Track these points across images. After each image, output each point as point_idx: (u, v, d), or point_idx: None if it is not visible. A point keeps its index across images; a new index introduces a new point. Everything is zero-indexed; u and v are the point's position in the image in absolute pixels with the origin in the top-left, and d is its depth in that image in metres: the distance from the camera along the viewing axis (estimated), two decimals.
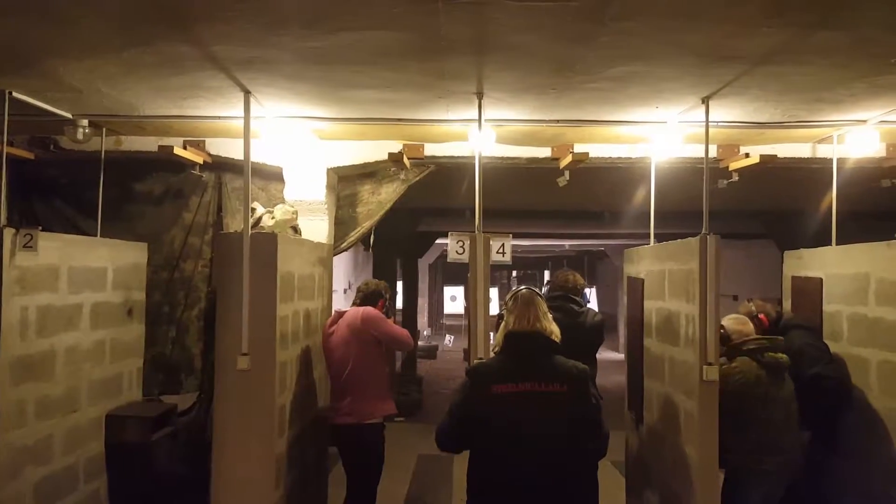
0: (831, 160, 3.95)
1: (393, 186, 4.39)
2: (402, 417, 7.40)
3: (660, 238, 3.92)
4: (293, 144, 4.05)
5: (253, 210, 3.60)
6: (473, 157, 3.38)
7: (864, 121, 3.58)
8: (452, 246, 3.25)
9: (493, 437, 2.36)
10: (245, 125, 3.15)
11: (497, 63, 2.74)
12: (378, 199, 4.40)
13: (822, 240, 4.05)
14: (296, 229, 3.83)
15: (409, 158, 4.16)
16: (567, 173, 4.24)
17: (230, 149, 4.19)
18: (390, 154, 4.06)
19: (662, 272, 3.57)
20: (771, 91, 3.10)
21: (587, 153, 4.00)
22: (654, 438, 3.55)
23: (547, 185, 4.44)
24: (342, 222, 4.46)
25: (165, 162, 4.28)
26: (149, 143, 4.19)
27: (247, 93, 3.12)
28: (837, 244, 3.84)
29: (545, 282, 15.80)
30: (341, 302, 7.26)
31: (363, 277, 7.71)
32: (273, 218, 3.65)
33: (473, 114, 3.37)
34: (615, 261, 12.61)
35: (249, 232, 3.00)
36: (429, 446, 2.48)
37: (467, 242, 3.22)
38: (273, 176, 4.30)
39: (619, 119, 3.63)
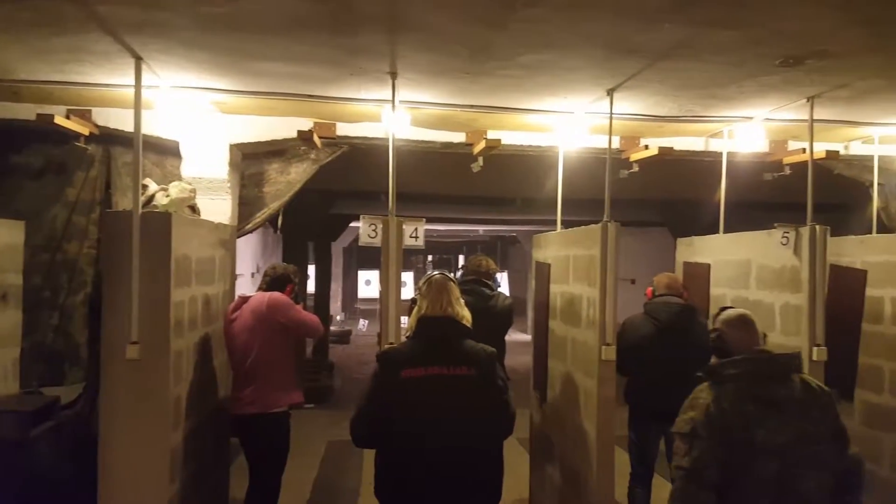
0: (722, 154, 4.22)
1: (303, 166, 4.24)
2: (311, 405, 7.29)
3: (567, 224, 4.04)
4: (191, 117, 3.78)
5: (144, 187, 3.35)
6: (388, 139, 3.32)
7: (751, 118, 3.84)
8: (365, 230, 3.18)
9: (403, 421, 2.36)
10: (136, 94, 2.91)
11: (411, 43, 2.70)
12: (287, 179, 4.23)
13: (711, 228, 4.33)
14: (194, 209, 3.60)
15: (320, 137, 4.03)
16: (481, 159, 4.27)
17: (120, 120, 3.84)
18: (300, 132, 3.91)
19: (567, 257, 3.69)
20: (670, 86, 3.25)
21: (500, 140, 4.05)
22: (557, 416, 3.68)
23: (461, 170, 4.46)
24: (247, 202, 4.25)
25: (46, 132, 3.87)
26: (26, 111, 3.78)
27: (138, 59, 2.88)
28: (725, 233, 4.12)
29: (460, 266, 16.03)
30: (248, 287, 6.98)
31: (273, 261, 7.45)
32: (168, 196, 3.40)
33: (387, 94, 3.31)
34: (526, 246, 12.95)
35: (140, 210, 2.79)
36: (339, 433, 2.44)
37: (380, 226, 3.16)
38: (169, 151, 4.01)
39: (530, 108, 3.70)
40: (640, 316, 3.79)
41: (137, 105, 2.91)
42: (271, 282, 3.55)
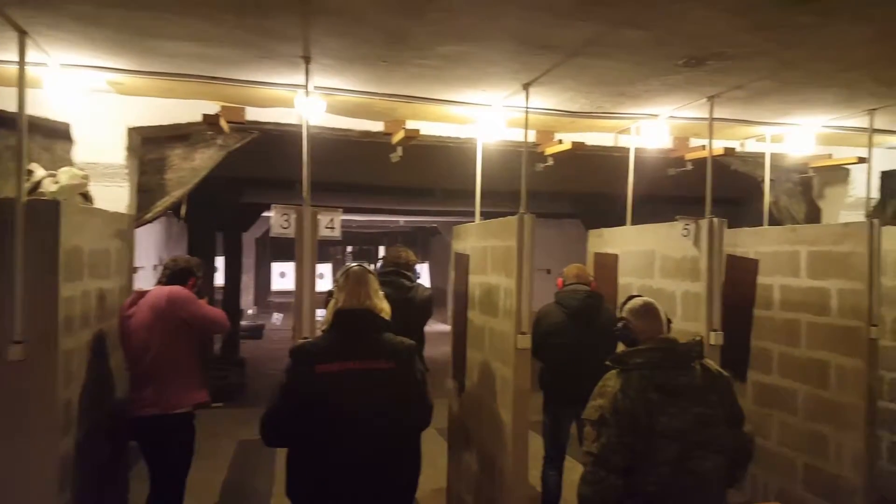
0: (630, 149, 4.41)
1: (209, 152, 4.04)
2: (220, 404, 7.00)
3: (487, 216, 4.10)
4: (84, 98, 3.51)
5: (30, 172, 3.07)
6: (301, 126, 3.22)
7: (657, 115, 4.04)
8: (277, 220, 3.08)
9: (318, 417, 2.31)
10: (20, 73, 2.66)
11: (325, 27, 2.63)
12: (191, 166, 4.02)
13: (621, 221, 4.53)
14: (86, 196, 3.34)
15: (227, 122, 3.86)
16: (400, 149, 4.24)
17: (3, 99, 3.51)
18: (205, 116, 3.72)
19: (485, 248, 3.74)
20: (583, 82, 3.36)
21: (419, 130, 4.04)
22: (474, 404, 3.74)
23: (380, 160, 4.41)
24: (148, 190, 4.01)
25: None
26: None
27: (22, 33, 2.63)
28: (632, 225, 4.32)
29: (380, 257, 15.86)
30: (151, 280, 6.60)
31: (179, 253, 7.08)
32: (57, 182, 3.13)
33: (301, 79, 3.21)
34: (447, 237, 13.01)
35: (24, 198, 2.56)
36: (250, 432, 2.35)
37: (293, 216, 3.07)
38: (60, 134, 3.71)
39: (449, 99, 3.70)
40: (551, 305, 3.93)
41: (21, 84, 2.65)
42: (171, 275, 3.36)
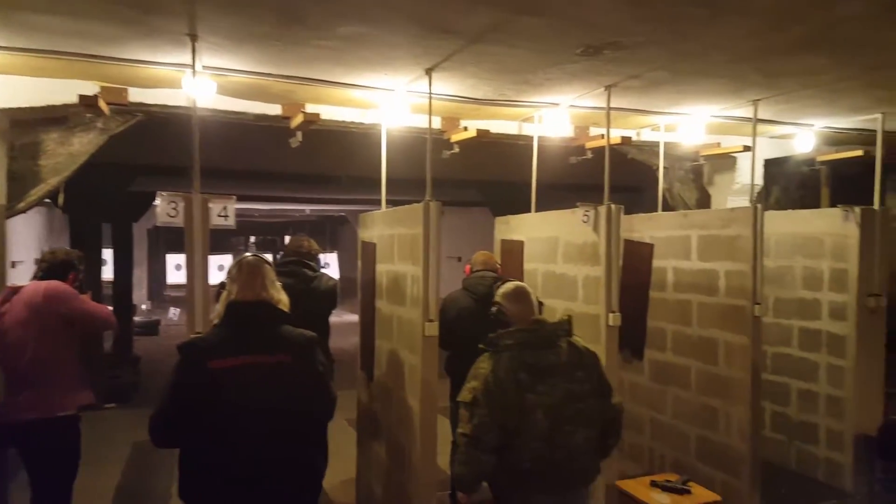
0: (533, 137, 4.52)
1: (89, 137, 3.75)
2: (112, 404, 6.61)
3: (394, 204, 4.07)
4: None
5: None
6: (190, 108, 3.05)
7: (558, 104, 4.16)
8: (164, 208, 2.91)
9: (212, 416, 2.21)
10: None
11: (212, 3, 2.50)
12: (69, 151, 3.72)
13: (527, 208, 4.63)
14: None
15: (108, 104, 3.60)
16: (299, 134, 4.12)
17: None
18: (81, 97, 3.45)
19: (392, 236, 3.72)
20: (486, 69, 3.39)
21: (319, 114, 3.94)
22: (383, 393, 3.73)
23: (280, 145, 4.26)
24: (19, 177, 3.67)
25: None
26: None
27: None
28: (536, 212, 4.44)
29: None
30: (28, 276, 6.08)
31: (62, 245, 6.56)
32: None
33: (187, 58, 3.04)
34: (356, 226, 12.83)
35: None
36: (146, 433, 2.22)
37: (182, 204, 2.91)
38: None
39: (350, 82, 3.63)
40: (458, 291, 3.98)
41: None
42: (49, 269, 3.11)
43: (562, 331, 2.64)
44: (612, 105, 3.88)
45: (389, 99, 3.80)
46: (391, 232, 3.73)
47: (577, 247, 3.82)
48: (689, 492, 3.45)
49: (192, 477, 2.27)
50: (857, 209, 4.43)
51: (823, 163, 5.66)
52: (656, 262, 4.75)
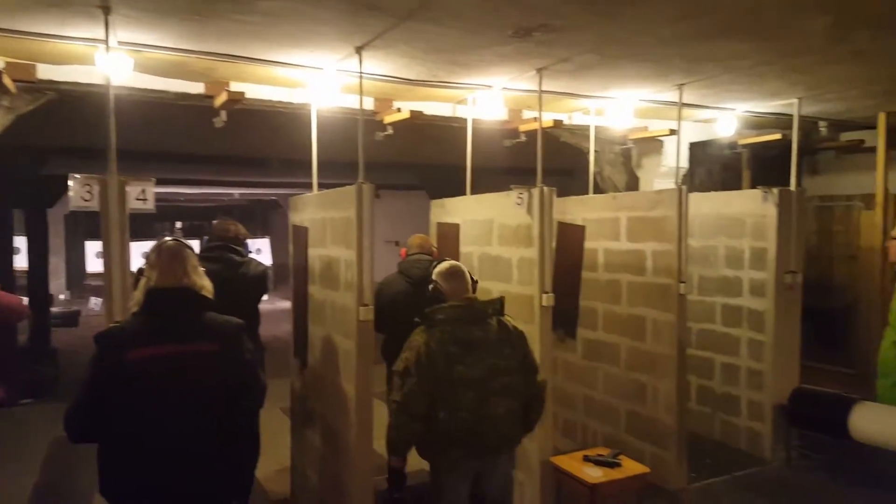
0: (468, 120, 4.52)
1: None
2: (28, 399, 6.28)
3: (327, 187, 3.99)
4: None
5: None
6: (105, 86, 2.89)
7: (491, 86, 4.17)
8: (77, 191, 2.76)
9: (132, 408, 2.12)
10: None
11: None
12: None
13: (463, 191, 4.64)
14: None
15: (14, 81, 3.36)
16: (224, 113, 3.97)
17: None
18: None
19: (324, 220, 3.66)
20: (418, 49, 3.35)
21: (243, 93, 3.81)
22: (317, 380, 3.69)
23: (204, 126, 4.10)
24: None
25: None
26: None
27: None
28: (472, 194, 4.46)
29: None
30: None
31: None
32: None
33: (100, 32, 2.87)
34: (288, 210, 12.52)
35: None
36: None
37: (97, 187, 2.77)
38: None
39: (276, 59, 3.52)
40: (394, 275, 3.97)
41: None
42: None
43: (493, 309, 2.84)
44: (543, 88, 3.93)
45: (318, 78, 3.71)
46: (323, 215, 3.67)
47: (511, 229, 3.87)
48: (619, 465, 3.59)
49: (113, 473, 2.19)
50: (776, 190, 4.68)
51: (745, 146, 5.93)
52: (588, 244, 4.87)
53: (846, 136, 6.12)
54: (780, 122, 5.36)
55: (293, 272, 4.11)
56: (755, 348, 4.86)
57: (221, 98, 3.78)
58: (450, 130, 4.91)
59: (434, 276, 2.89)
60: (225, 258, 3.58)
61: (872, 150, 5.48)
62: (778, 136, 5.51)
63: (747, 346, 4.92)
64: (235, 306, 2.49)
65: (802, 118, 4.97)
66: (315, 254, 3.78)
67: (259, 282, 3.70)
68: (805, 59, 3.73)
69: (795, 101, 4.73)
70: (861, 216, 5.96)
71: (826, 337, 6.02)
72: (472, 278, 2.96)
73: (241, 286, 3.54)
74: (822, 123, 5.76)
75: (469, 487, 2.85)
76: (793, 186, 4.79)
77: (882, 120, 5.28)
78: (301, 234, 3.95)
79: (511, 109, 4.87)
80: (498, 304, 2.88)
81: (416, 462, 3.11)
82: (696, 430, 5.03)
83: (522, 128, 4.86)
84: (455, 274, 2.88)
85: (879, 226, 5.36)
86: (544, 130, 4.15)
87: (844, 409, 0.91)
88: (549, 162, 3.93)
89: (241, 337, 2.34)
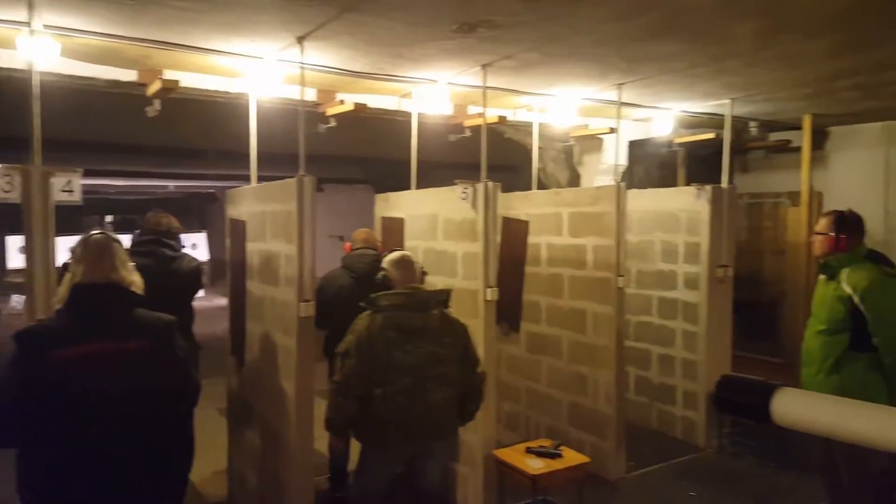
0: (412, 114, 4.51)
1: None
2: None
3: (269, 180, 3.90)
4: None
5: None
6: (29, 72, 2.74)
7: (436, 81, 4.17)
8: None
9: (56, 411, 2.02)
10: None
11: None
12: None
13: (409, 185, 4.63)
14: None
15: None
16: (157, 103, 3.83)
17: None
18: None
19: (263, 213, 3.59)
20: (361, 41, 3.32)
21: (178, 81, 3.68)
22: (255, 379, 3.62)
23: (137, 115, 3.93)
24: None
25: None
26: None
27: None
28: (418, 189, 4.46)
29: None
30: None
31: None
32: None
33: (22, 15, 2.72)
34: (225, 204, 12.18)
35: None
36: None
37: (18, 178, 2.62)
38: None
39: (213, 48, 3.41)
40: (338, 270, 3.93)
41: None
42: None
43: (436, 300, 2.95)
44: (488, 84, 3.97)
45: (258, 68, 3.62)
46: (263, 209, 3.59)
47: (456, 223, 3.89)
48: (560, 455, 3.67)
49: (36, 479, 2.08)
50: (708, 187, 4.88)
51: (681, 144, 6.15)
52: (531, 239, 4.96)
53: (775, 137, 6.44)
54: (714, 121, 5.58)
55: (230, 267, 4.01)
56: (689, 339, 5.06)
57: (155, 86, 3.64)
58: (395, 124, 4.89)
59: (384, 264, 3.01)
60: (156, 252, 3.46)
61: (798, 149, 5.78)
62: (711, 135, 5.74)
63: (682, 337, 5.12)
64: (168, 303, 2.41)
65: (734, 118, 5.19)
66: (253, 248, 3.70)
67: (192, 277, 3.60)
68: (736, 62, 3.90)
69: (728, 102, 4.94)
70: (788, 213, 6.29)
71: (756, 328, 6.33)
72: (423, 270, 3.12)
73: (174, 282, 3.43)
74: (752, 124, 6.04)
75: (397, 472, 2.94)
76: (724, 184, 5.01)
77: (807, 121, 5.58)
78: (239, 227, 3.86)
79: (456, 104, 4.89)
80: (443, 296, 3.00)
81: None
82: (634, 419, 5.20)
83: (467, 123, 4.88)
84: (403, 263, 3.00)
85: (804, 222, 5.66)
86: (489, 126, 4.19)
87: (766, 394, 0.98)
88: (494, 158, 3.97)
89: (173, 334, 2.27)
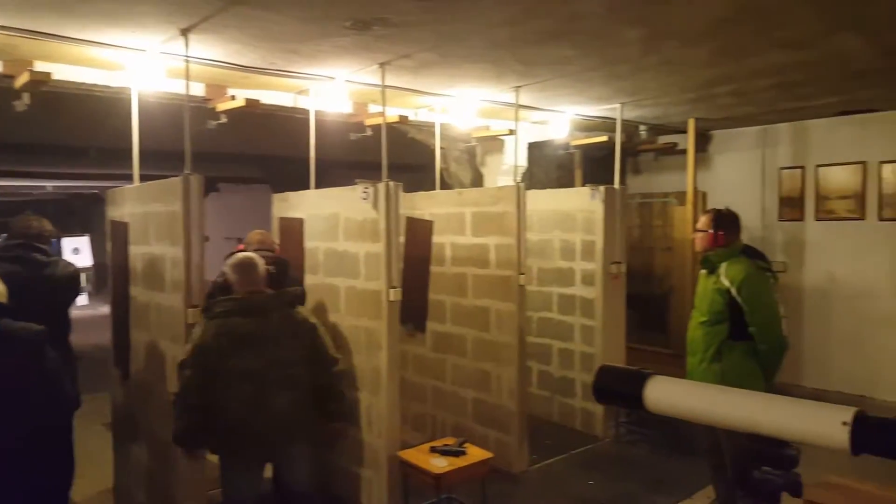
0: (309, 111, 4.42)
1: None
2: None
3: (156, 179, 3.71)
4: None
5: None
6: None
7: (334, 78, 4.12)
8: None
9: None
10: None
11: None
12: None
13: (309, 185, 4.54)
14: None
15: None
16: (27, 96, 3.54)
17: None
18: None
19: (147, 214, 3.42)
20: (250, 35, 3.22)
21: (50, 73, 3.42)
22: (142, 390, 3.44)
23: (4, 110, 3.62)
24: None
25: None
26: None
27: None
28: (318, 188, 4.38)
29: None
30: None
31: None
32: None
33: None
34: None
35: None
36: None
37: None
38: None
39: (90, 39, 3.20)
40: None
41: None
42: None
43: (279, 303, 2.92)
44: (386, 83, 3.97)
45: (140, 60, 3.43)
46: (146, 209, 3.42)
47: (357, 223, 3.86)
48: (464, 453, 3.72)
49: None
50: (602, 188, 5.12)
51: (577, 147, 6.42)
52: (436, 238, 5.01)
53: (663, 140, 6.86)
54: (607, 125, 5.86)
55: (112, 272, 3.79)
56: (587, 334, 5.29)
57: (23, 79, 3.37)
58: (293, 122, 4.78)
59: (225, 268, 2.95)
60: (26, 258, 3.20)
61: (684, 152, 6.18)
62: (604, 138, 6.03)
63: (580, 331, 5.35)
64: (40, 312, 2.26)
65: (625, 122, 5.48)
66: (137, 252, 3.52)
67: (68, 284, 3.36)
68: (624, 68, 4.12)
69: (618, 105, 5.21)
70: (675, 211, 6.72)
71: (649, 320, 6.71)
72: (269, 270, 3.06)
73: (47, 289, 3.19)
74: (642, 127, 6.41)
75: (258, 479, 2.93)
76: (616, 184, 5.27)
77: (691, 125, 5.98)
78: (120, 230, 3.66)
79: (356, 103, 4.85)
80: (287, 298, 2.98)
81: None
82: (537, 413, 5.38)
83: (368, 122, 4.86)
84: (244, 267, 2.93)
85: (690, 220, 6.05)
86: (392, 126, 4.20)
87: (639, 382, 1.03)
88: (399, 157, 3.97)
89: (43, 345, 2.12)
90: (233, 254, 2.99)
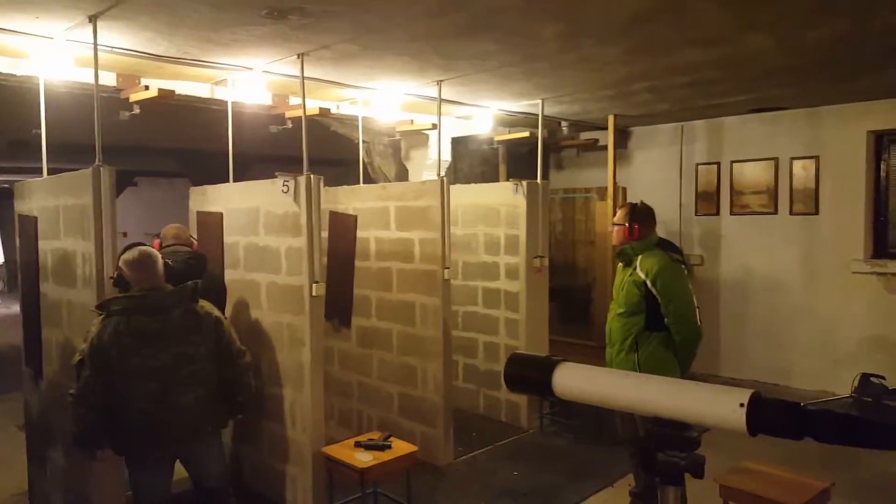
0: (227, 102, 4.42)
1: None
2: None
3: (65, 172, 3.63)
4: None
5: None
6: None
7: (251, 68, 4.14)
8: None
9: None
10: None
11: None
12: None
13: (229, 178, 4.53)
14: None
15: None
16: None
17: None
18: None
19: (57, 208, 3.36)
20: (162, 22, 3.22)
21: None
22: (56, 392, 3.39)
23: None
24: None
25: None
26: None
27: None
28: (237, 182, 4.39)
29: None
30: None
31: None
32: None
33: None
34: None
35: None
36: None
37: None
38: None
39: None
40: None
41: None
42: None
43: (177, 298, 2.92)
44: (306, 74, 4.02)
45: (46, 48, 3.36)
46: (56, 203, 3.37)
47: (278, 217, 3.91)
48: (389, 447, 3.82)
49: None
50: (524, 183, 5.35)
51: (500, 142, 6.65)
52: (360, 233, 5.09)
53: (585, 136, 7.19)
54: (529, 121, 6.11)
55: (21, 269, 3.70)
56: (511, 327, 5.51)
57: None
58: (211, 113, 4.75)
59: (120, 264, 2.92)
60: None
61: (605, 148, 6.52)
62: (526, 133, 6.28)
63: (505, 325, 5.57)
64: None
65: (546, 118, 5.74)
66: (47, 247, 3.46)
67: None
68: (544, 64, 4.32)
69: (539, 101, 5.45)
70: (596, 206, 7.07)
71: (572, 313, 7.04)
72: (169, 263, 3.06)
73: None
74: (563, 123, 6.70)
75: (167, 478, 2.96)
76: (539, 179, 5.52)
77: (611, 122, 6.31)
78: (29, 224, 3.58)
79: (276, 94, 4.87)
80: (187, 293, 2.98)
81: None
82: (463, 406, 5.56)
83: (289, 114, 4.89)
84: (141, 263, 2.90)
85: (610, 214, 6.40)
86: (315, 119, 4.25)
87: (549, 369, 1.11)
88: (322, 151, 4.02)
89: None
90: (127, 248, 2.95)
